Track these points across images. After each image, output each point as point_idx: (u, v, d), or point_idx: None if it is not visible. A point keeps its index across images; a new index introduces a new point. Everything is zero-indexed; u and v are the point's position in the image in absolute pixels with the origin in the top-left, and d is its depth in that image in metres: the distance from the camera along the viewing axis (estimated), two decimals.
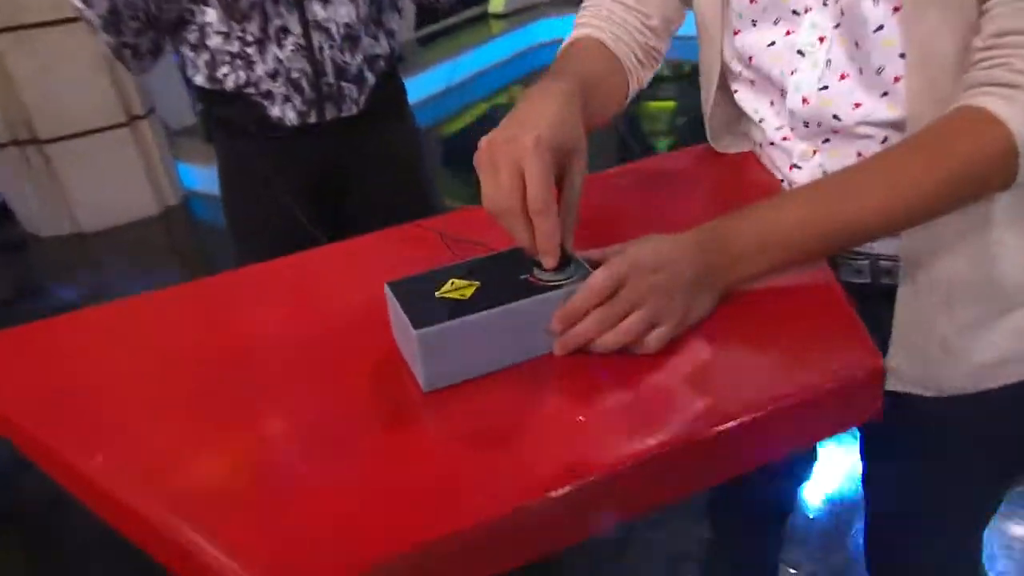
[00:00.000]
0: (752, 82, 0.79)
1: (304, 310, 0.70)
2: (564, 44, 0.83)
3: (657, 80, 0.98)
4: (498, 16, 5.73)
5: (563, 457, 0.50)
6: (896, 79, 0.65)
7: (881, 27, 0.63)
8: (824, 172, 0.74)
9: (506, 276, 0.59)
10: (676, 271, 0.58)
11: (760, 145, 0.83)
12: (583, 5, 0.86)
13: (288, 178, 1.24)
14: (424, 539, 0.45)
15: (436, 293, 0.58)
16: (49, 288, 3.16)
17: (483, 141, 0.59)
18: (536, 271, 0.59)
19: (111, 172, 3.35)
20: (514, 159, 0.56)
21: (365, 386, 0.59)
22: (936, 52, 0.61)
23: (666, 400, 0.54)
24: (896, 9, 0.62)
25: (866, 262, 0.74)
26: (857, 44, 0.66)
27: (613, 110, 0.80)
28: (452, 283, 0.59)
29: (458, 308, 0.56)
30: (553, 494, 0.47)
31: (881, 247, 0.73)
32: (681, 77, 4.54)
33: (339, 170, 1.29)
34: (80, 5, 1.08)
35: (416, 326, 0.54)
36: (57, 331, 0.72)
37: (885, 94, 0.66)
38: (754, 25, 0.75)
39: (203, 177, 3.75)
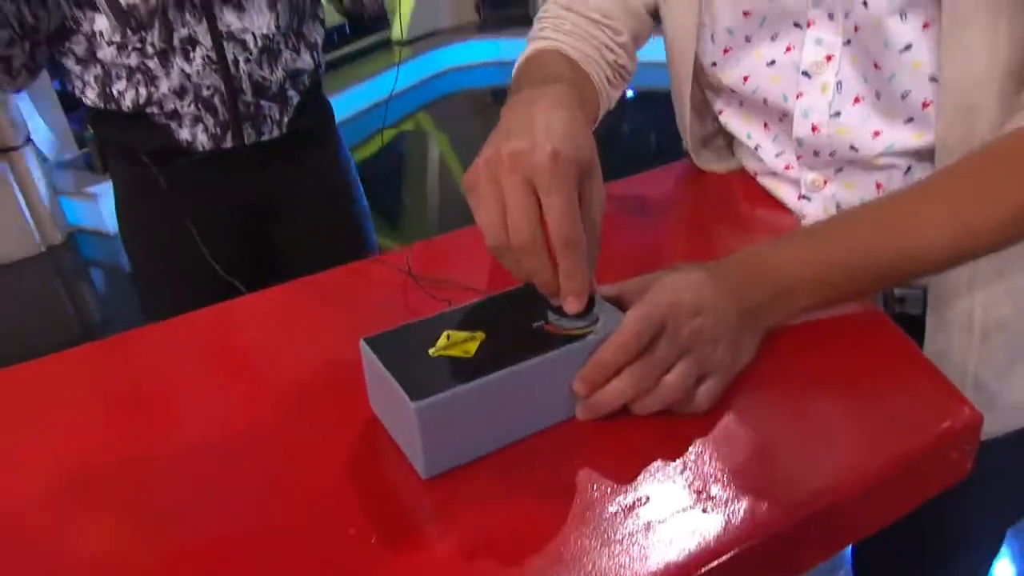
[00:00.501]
0: (741, 103, 0.71)
1: (242, 377, 0.56)
2: (521, 59, 0.73)
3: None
4: (400, 43, 5.64)
5: (608, 567, 0.38)
6: (925, 104, 0.57)
7: (909, 46, 0.56)
8: (838, 204, 0.66)
9: (515, 325, 0.48)
10: (721, 310, 0.48)
11: (756, 173, 0.75)
12: (538, 16, 0.77)
13: (201, 214, 1.08)
14: None
15: (430, 351, 0.46)
16: None
17: (480, 159, 0.47)
18: (551, 316, 0.48)
19: None
20: (527, 178, 0.44)
21: (342, 480, 0.45)
22: (975, 75, 0.54)
23: (735, 478, 0.43)
24: (926, 25, 0.55)
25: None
26: (876, 65, 0.59)
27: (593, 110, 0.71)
28: (447, 336, 0.47)
29: (463, 370, 0.44)
30: None
31: None
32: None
33: (262, 203, 1.14)
34: None
35: (413, 397, 0.42)
36: None
37: (911, 120, 0.59)
38: (748, 41, 0.67)
39: (89, 212, 3.45)
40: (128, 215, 1.13)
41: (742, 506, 0.41)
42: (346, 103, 4.33)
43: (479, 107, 5.13)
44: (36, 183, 3.21)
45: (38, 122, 3.42)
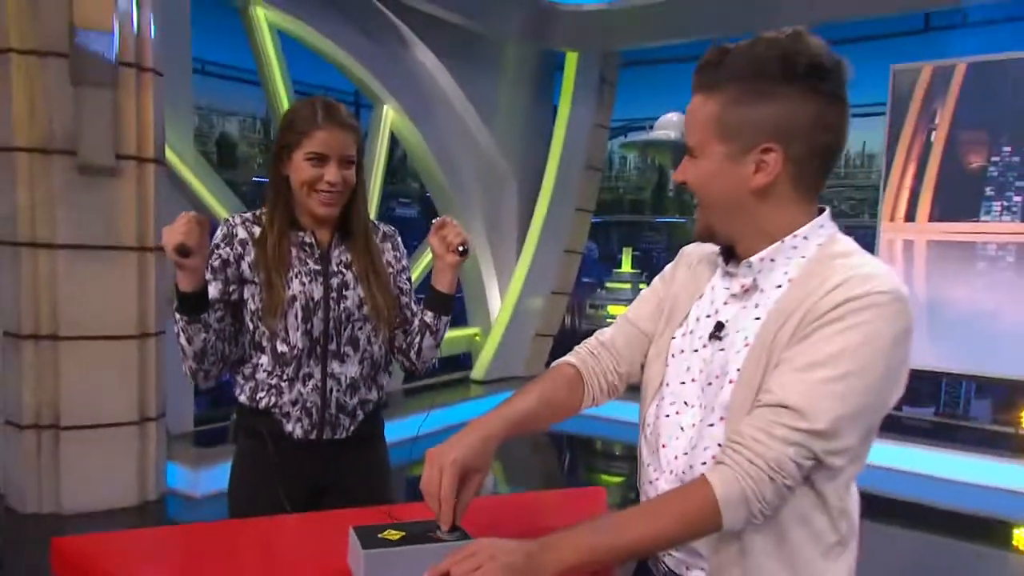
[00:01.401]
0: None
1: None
2: (555, 364, 1.25)
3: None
4: (478, 382, 6.57)
5: None
6: None
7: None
8: None
9: (420, 533, 1.04)
10: (503, 556, 0.94)
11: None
12: (586, 341, 1.28)
13: (288, 476, 1.67)
14: None
15: (379, 535, 1.03)
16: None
17: (430, 449, 1.06)
18: (438, 531, 1.04)
19: (108, 462, 3.72)
20: (439, 466, 1.04)
21: None
22: None
23: None
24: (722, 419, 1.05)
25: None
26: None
27: (566, 417, 1.21)
28: (389, 532, 1.04)
29: (390, 543, 1.00)
30: None
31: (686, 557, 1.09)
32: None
33: (325, 476, 1.73)
34: (183, 343, 1.61)
35: (364, 548, 0.98)
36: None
37: None
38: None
39: (186, 478, 4.12)
40: (239, 471, 1.73)
41: None
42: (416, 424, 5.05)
43: (532, 443, 5.79)
44: (158, 449, 3.92)
45: (171, 400, 4.25)
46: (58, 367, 3.59)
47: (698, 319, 1.15)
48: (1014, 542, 4.29)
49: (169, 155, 4.08)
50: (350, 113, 1.69)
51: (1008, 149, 5.37)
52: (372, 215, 1.83)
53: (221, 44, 5.29)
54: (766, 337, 1.03)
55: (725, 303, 1.12)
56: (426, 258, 5.66)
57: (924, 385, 6.13)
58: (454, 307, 1.78)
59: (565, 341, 7.50)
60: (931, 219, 5.63)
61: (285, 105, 5.12)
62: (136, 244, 3.71)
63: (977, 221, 5.47)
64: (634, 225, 8.21)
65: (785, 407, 0.96)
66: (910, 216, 5.69)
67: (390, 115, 5.92)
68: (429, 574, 0.93)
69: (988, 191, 5.43)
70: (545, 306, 7.11)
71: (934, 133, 5.62)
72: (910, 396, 6.16)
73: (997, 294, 5.42)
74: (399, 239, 1.84)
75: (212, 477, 4.15)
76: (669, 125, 7.24)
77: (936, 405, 6.04)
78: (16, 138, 3.47)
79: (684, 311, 1.18)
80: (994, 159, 5.41)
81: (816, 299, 0.99)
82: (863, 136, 7.24)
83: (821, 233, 1.07)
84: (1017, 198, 5.32)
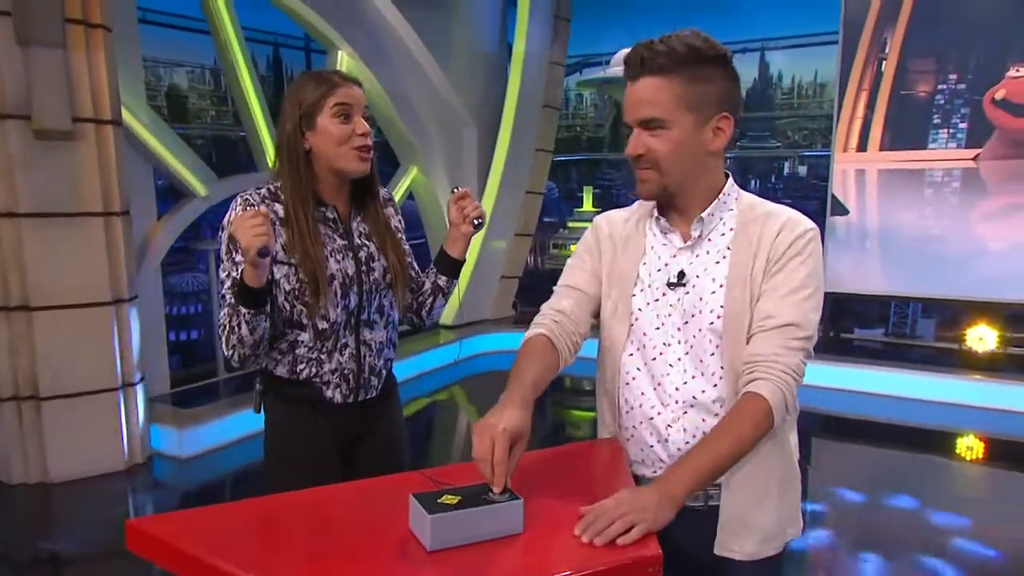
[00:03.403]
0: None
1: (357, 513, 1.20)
2: (526, 337, 1.38)
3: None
4: (448, 327, 6.64)
5: None
6: None
7: None
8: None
9: (473, 495, 1.12)
10: (639, 501, 1.10)
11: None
12: (542, 310, 1.43)
13: (327, 437, 1.75)
14: None
15: (438, 500, 1.11)
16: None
17: (480, 420, 1.15)
18: (490, 494, 1.12)
19: (92, 429, 3.72)
20: (491, 436, 1.12)
21: (393, 545, 1.08)
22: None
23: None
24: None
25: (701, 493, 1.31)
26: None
27: (550, 381, 1.35)
28: (446, 497, 1.12)
29: (451, 507, 1.09)
30: None
31: None
32: None
33: (357, 431, 1.80)
34: (244, 333, 1.57)
35: (430, 513, 1.06)
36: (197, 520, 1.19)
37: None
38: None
39: (169, 439, 4.15)
40: (276, 437, 1.77)
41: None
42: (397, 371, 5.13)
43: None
44: (140, 413, 3.94)
45: (148, 364, 4.24)
46: (32, 338, 3.54)
47: (650, 274, 1.38)
48: (957, 450, 4.64)
49: (124, 114, 3.95)
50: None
51: (954, 77, 5.55)
52: None
53: None
54: (740, 274, 1.30)
55: (674, 256, 1.37)
56: None
57: (874, 308, 6.44)
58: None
59: (530, 282, 7.63)
60: (882, 148, 5.82)
61: (237, 54, 4.97)
62: (103, 210, 3.64)
63: (925, 149, 5.68)
64: (593, 163, 8.26)
65: (790, 325, 1.26)
66: (862, 146, 5.87)
67: (345, 60, 5.78)
68: (584, 534, 1.06)
69: (935, 119, 5.62)
70: (509, 248, 7.17)
71: (884, 62, 5.76)
72: (861, 319, 6.48)
73: (943, 220, 5.68)
74: (395, 202, 1.89)
75: (196, 437, 4.18)
76: None
77: (885, 327, 6.37)
78: None
79: (632, 273, 1.39)
80: (941, 87, 5.59)
81: (771, 240, 1.30)
82: (815, 65, 7.35)
83: (735, 189, 1.38)
84: (963, 125, 5.53)
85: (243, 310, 1.56)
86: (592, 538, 1.06)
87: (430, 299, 1.85)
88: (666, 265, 1.36)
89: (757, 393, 1.23)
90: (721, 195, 1.34)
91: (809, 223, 1.33)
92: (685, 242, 1.35)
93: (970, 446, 4.69)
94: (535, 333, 1.39)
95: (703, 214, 1.34)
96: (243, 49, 5.01)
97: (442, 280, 1.83)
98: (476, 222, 1.71)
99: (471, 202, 1.72)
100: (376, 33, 5.97)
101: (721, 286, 1.31)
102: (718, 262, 1.33)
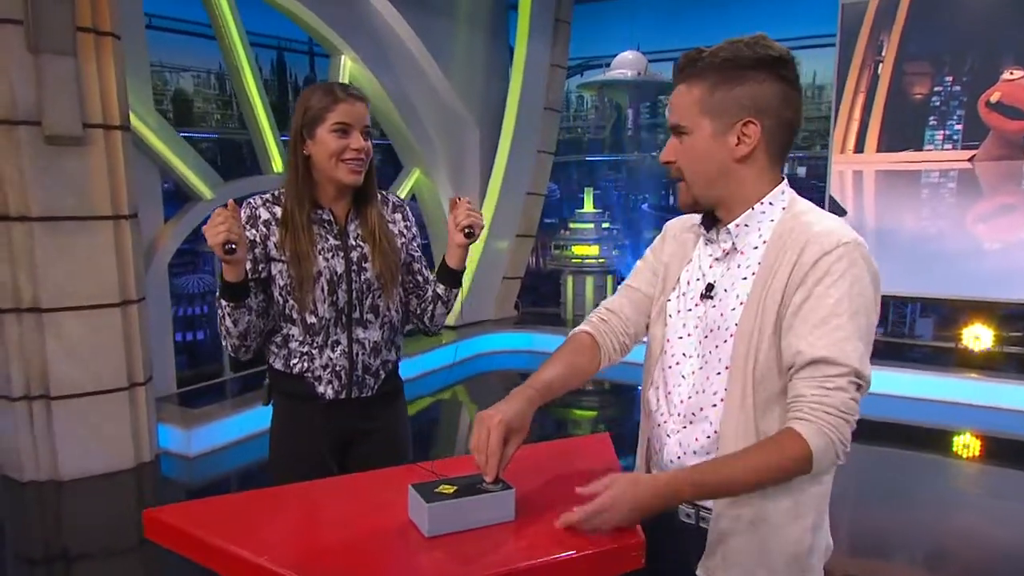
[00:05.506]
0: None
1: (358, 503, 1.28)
2: (572, 332, 1.42)
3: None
4: (451, 327, 6.71)
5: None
6: None
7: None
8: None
9: (468, 486, 1.20)
10: (620, 501, 1.13)
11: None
12: (595, 310, 1.45)
13: (322, 432, 1.83)
14: None
15: (435, 490, 1.18)
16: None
17: (479, 413, 1.21)
18: (484, 484, 1.20)
19: (101, 428, 3.80)
20: (488, 426, 1.19)
21: (394, 531, 1.16)
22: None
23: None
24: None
25: (694, 511, 1.30)
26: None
27: (587, 378, 1.39)
28: (443, 487, 1.19)
29: (447, 496, 1.16)
30: None
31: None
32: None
33: (355, 429, 1.88)
34: (228, 325, 1.69)
35: (428, 502, 1.14)
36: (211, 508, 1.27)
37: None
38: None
39: (177, 438, 4.23)
40: (279, 429, 1.86)
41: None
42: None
43: (508, 386, 5.99)
44: (148, 412, 4.01)
45: (155, 363, 4.32)
46: (44, 339, 3.62)
47: (688, 282, 1.33)
48: (954, 448, 4.69)
49: (132, 119, 4.03)
50: (359, 88, 1.79)
51: (949, 79, 5.61)
52: None
53: None
54: (758, 294, 1.20)
55: (710, 266, 1.30)
56: None
57: None
58: (462, 279, 1.91)
59: (532, 282, 7.70)
60: (879, 149, 5.88)
61: (242, 58, 5.05)
62: (111, 213, 3.72)
63: (921, 150, 5.74)
64: (594, 165, 8.33)
65: (821, 362, 1.12)
66: (859, 147, 5.93)
67: (348, 65, 5.87)
68: (584, 524, 1.10)
69: (931, 120, 5.68)
70: (511, 249, 7.25)
71: (881, 65, 5.82)
72: None
73: (939, 220, 5.75)
74: (408, 209, 1.96)
75: (202, 436, 4.26)
76: (626, 64, 7.32)
77: (885, 326, 6.42)
78: None
79: (676, 276, 1.36)
80: (937, 90, 5.65)
81: (794, 259, 1.16)
82: (813, 67, 7.40)
83: (783, 198, 1.25)
84: (958, 127, 5.59)
85: (224, 303, 1.67)
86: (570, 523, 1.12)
87: (431, 306, 1.92)
88: (703, 275, 1.30)
89: (796, 432, 1.11)
90: (758, 205, 1.23)
91: (844, 236, 1.15)
92: (722, 253, 1.27)
93: (967, 444, 4.74)
94: (580, 330, 1.42)
95: (730, 224, 1.25)
96: (248, 53, 5.09)
97: (440, 289, 1.90)
98: (467, 231, 1.76)
99: (464, 211, 1.78)
100: (379, 37, 6.05)
101: (742, 303, 1.22)
102: (745, 278, 1.23)
